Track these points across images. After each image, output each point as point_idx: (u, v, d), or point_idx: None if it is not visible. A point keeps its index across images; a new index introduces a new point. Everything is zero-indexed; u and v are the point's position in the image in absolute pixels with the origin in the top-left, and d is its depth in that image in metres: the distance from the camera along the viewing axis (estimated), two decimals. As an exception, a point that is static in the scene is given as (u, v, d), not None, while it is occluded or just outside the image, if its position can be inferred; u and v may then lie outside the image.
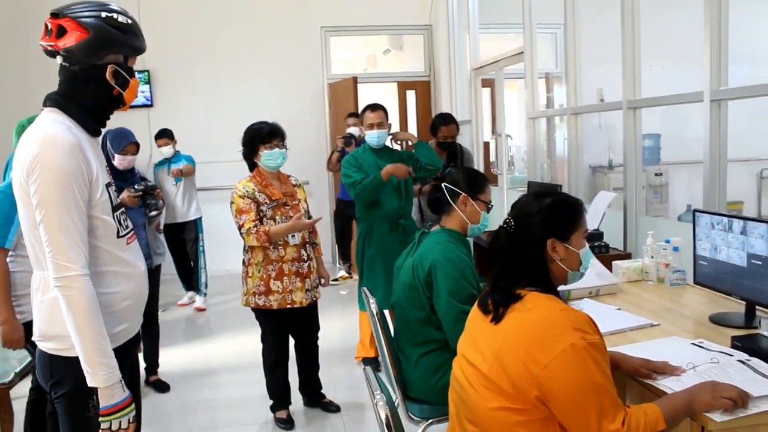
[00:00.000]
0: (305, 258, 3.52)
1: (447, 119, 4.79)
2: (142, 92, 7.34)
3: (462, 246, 2.66)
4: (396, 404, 2.76)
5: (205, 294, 6.29)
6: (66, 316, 1.75)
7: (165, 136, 6.07)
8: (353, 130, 6.23)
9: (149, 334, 4.28)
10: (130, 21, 1.87)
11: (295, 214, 3.40)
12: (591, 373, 1.54)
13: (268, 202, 3.40)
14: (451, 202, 2.67)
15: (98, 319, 1.76)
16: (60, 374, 1.87)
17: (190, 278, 6.45)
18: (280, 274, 3.43)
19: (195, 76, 7.54)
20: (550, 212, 1.78)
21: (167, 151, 6.03)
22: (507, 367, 1.60)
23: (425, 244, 2.65)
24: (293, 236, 3.43)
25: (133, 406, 1.84)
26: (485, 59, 6.55)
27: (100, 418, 1.79)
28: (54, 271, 1.73)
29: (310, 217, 3.58)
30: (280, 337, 3.58)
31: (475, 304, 1.85)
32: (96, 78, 1.86)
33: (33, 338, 1.91)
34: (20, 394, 3.45)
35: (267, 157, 3.41)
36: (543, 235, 1.76)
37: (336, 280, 6.85)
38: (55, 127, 1.78)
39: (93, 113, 1.90)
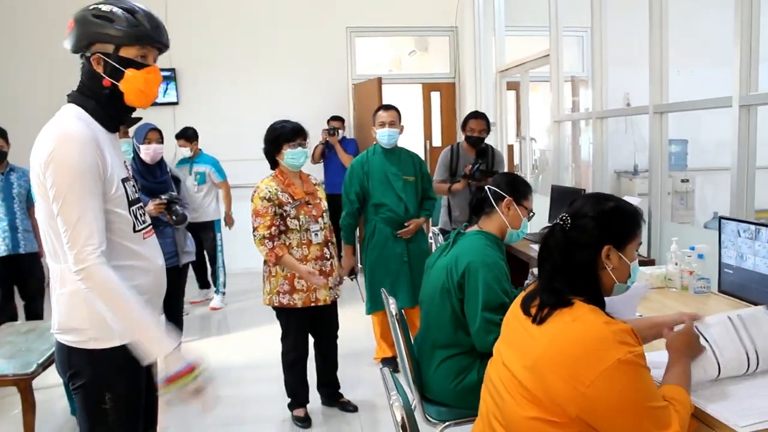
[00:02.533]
0: (328, 256, 3.54)
1: (477, 114, 4.83)
2: (163, 89, 7.40)
3: (498, 251, 2.62)
4: (413, 406, 2.76)
5: (224, 293, 6.28)
6: (99, 306, 1.77)
7: (184, 137, 6.01)
8: (339, 133, 7.01)
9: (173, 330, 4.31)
10: (117, 9, 1.84)
11: (313, 274, 3.38)
12: (640, 386, 1.50)
13: (291, 201, 3.41)
14: (495, 205, 2.65)
15: (130, 298, 1.78)
16: (78, 366, 1.90)
17: (205, 276, 6.49)
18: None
19: (220, 74, 7.60)
20: (612, 217, 1.71)
21: (185, 152, 6.03)
22: (546, 380, 1.55)
23: (461, 245, 2.62)
24: (316, 234, 3.46)
25: (197, 371, 1.83)
26: (511, 62, 6.51)
27: (163, 390, 1.81)
28: (74, 264, 1.75)
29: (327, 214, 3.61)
30: (301, 336, 3.58)
31: (516, 303, 1.79)
32: (89, 70, 1.87)
33: (51, 330, 1.94)
34: (42, 384, 3.51)
35: (290, 155, 3.41)
36: (600, 240, 1.69)
37: None
38: (70, 122, 1.80)
39: (105, 108, 1.90)
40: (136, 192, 2.01)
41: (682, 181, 6.86)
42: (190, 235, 4.45)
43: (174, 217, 3.99)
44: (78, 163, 1.74)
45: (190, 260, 4.38)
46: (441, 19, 7.94)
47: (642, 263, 3.42)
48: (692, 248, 2.98)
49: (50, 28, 6.70)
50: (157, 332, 1.80)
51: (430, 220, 4.70)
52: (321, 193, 3.61)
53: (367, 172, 4.15)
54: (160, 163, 4.00)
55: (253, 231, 3.37)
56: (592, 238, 1.69)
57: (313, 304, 3.48)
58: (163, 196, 3.87)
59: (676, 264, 3.02)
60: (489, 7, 6.94)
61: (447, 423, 2.63)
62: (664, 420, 1.50)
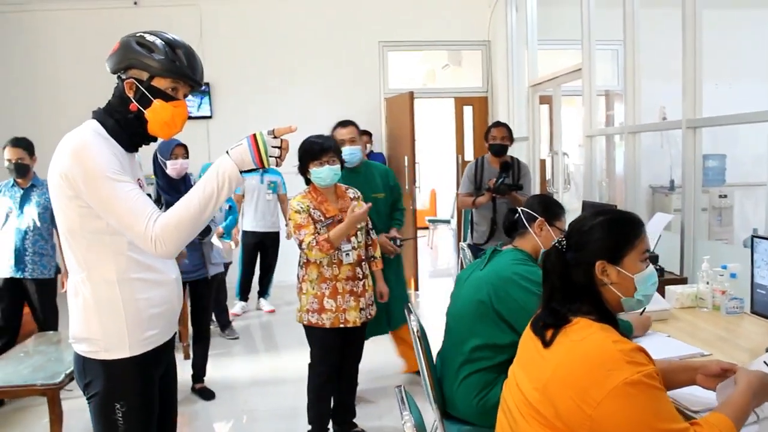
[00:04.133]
0: (360, 276, 3.41)
1: (499, 123, 4.88)
2: (192, 103, 7.50)
3: (535, 266, 2.62)
4: (434, 425, 2.73)
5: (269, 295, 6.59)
6: (197, 227, 1.88)
7: None
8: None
9: (199, 342, 4.35)
10: (161, 42, 1.91)
11: (347, 210, 3.28)
12: (649, 407, 1.44)
13: (323, 219, 3.30)
14: (527, 225, 2.66)
15: (188, 208, 1.86)
16: (91, 376, 1.94)
17: (248, 289, 6.57)
18: (334, 293, 3.33)
19: (253, 88, 7.68)
20: (601, 231, 1.67)
21: None
22: (556, 402, 1.52)
23: (498, 261, 2.63)
24: (347, 255, 3.33)
25: (259, 134, 1.91)
26: (543, 76, 6.46)
27: (264, 162, 1.89)
28: (148, 250, 1.82)
29: (368, 233, 3.55)
30: (329, 358, 3.44)
31: (528, 325, 1.76)
32: (120, 91, 1.93)
33: (69, 340, 1.97)
34: (73, 395, 3.56)
35: (316, 174, 3.30)
36: (592, 256, 1.65)
37: None
38: (87, 135, 1.86)
39: (125, 129, 1.94)
40: None
41: (720, 196, 6.69)
42: (219, 246, 4.44)
43: (198, 236, 3.97)
44: (101, 164, 1.80)
45: (219, 272, 4.36)
46: (473, 33, 7.92)
47: (673, 281, 3.35)
48: (724, 267, 2.89)
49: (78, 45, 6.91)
50: (216, 177, 1.86)
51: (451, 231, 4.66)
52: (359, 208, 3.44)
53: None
54: (185, 178, 4.00)
55: (300, 245, 3.27)
56: (585, 256, 1.66)
57: (342, 325, 3.35)
58: None
59: (708, 283, 2.94)
60: (522, 20, 6.90)
61: (468, 442, 2.59)
62: None
